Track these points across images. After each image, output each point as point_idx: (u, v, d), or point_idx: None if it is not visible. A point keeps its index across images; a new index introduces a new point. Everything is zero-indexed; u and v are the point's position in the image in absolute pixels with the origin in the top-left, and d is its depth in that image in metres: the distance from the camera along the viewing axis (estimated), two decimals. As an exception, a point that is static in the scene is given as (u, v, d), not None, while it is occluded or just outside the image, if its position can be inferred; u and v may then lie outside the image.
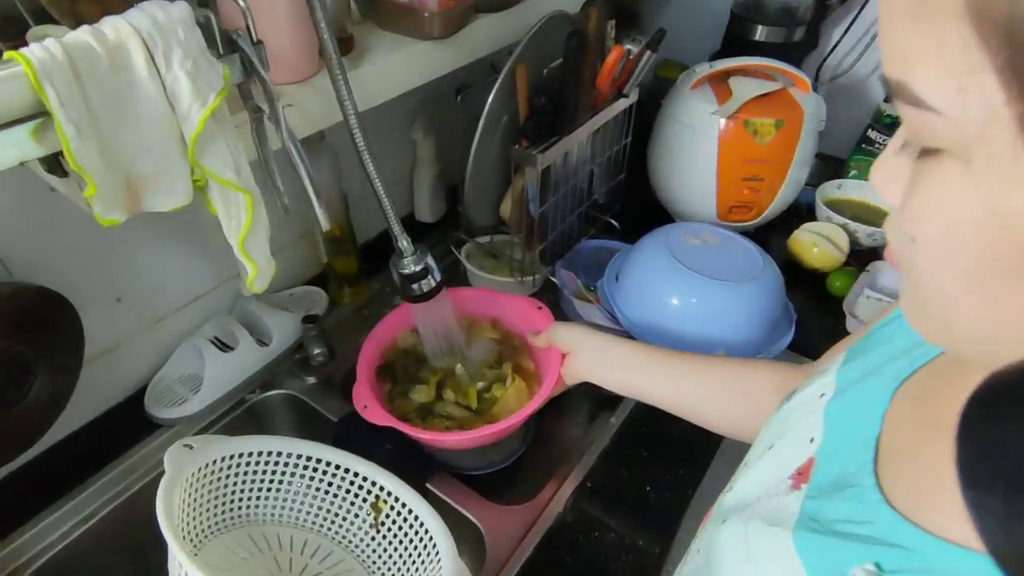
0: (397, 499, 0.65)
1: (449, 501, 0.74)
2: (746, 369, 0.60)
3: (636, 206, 1.14)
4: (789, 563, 0.33)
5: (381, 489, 0.66)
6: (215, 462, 0.61)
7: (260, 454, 0.64)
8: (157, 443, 0.76)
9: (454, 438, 0.70)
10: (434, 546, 0.61)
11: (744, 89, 1.01)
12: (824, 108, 1.05)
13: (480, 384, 0.76)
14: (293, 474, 0.66)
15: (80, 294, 0.65)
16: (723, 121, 1.00)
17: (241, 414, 0.83)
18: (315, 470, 0.66)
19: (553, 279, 0.96)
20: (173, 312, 0.82)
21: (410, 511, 0.64)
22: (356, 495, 0.67)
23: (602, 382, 0.67)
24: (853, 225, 1.06)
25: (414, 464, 0.77)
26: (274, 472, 0.66)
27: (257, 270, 0.55)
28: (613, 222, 1.09)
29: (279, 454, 0.65)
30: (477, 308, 0.83)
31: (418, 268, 0.68)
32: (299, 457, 0.66)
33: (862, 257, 1.05)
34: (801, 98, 1.02)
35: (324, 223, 0.58)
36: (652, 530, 0.70)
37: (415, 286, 0.69)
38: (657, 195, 1.16)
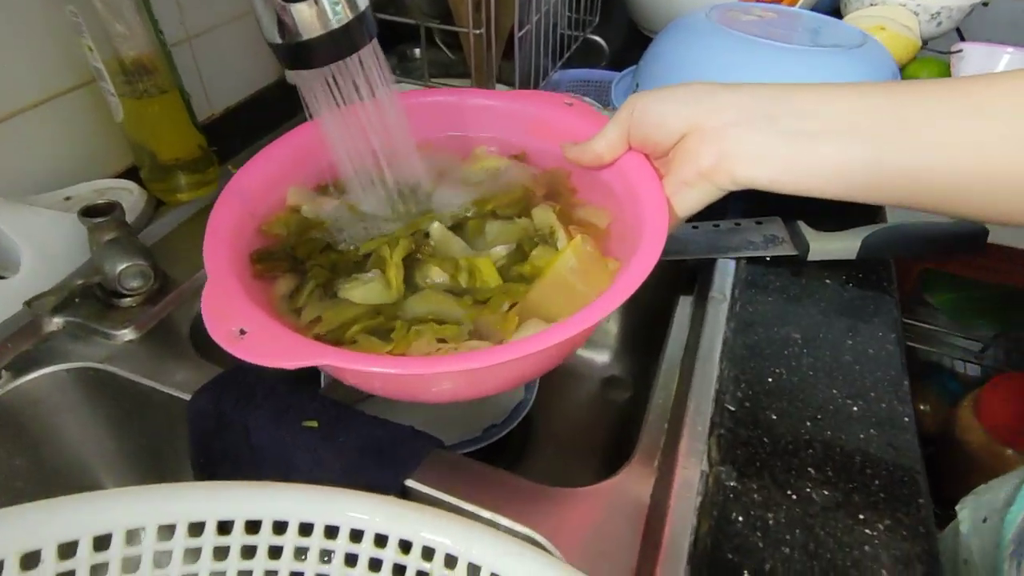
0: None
1: (461, 504, 0.35)
2: None
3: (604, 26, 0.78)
4: None
5: (428, 557, 0.25)
6: None
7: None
8: None
9: (506, 355, 0.28)
10: None
11: None
12: None
13: (498, 251, 0.36)
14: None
15: None
16: None
17: (-31, 427, 0.39)
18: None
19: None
20: None
21: None
22: None
23: (782, 178, 0.30)
24: (912, 5, 0.77)
25: (374, 452, 0.37)
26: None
27: None
28: (598, 40, 0.73)
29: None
30: (447, 124, 0.43)
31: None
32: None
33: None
34: None
35: None
36: (897, 479, 0.35)
37: (309, 14, 0.28)
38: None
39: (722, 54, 0.54)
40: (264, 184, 0.39)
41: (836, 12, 0.86)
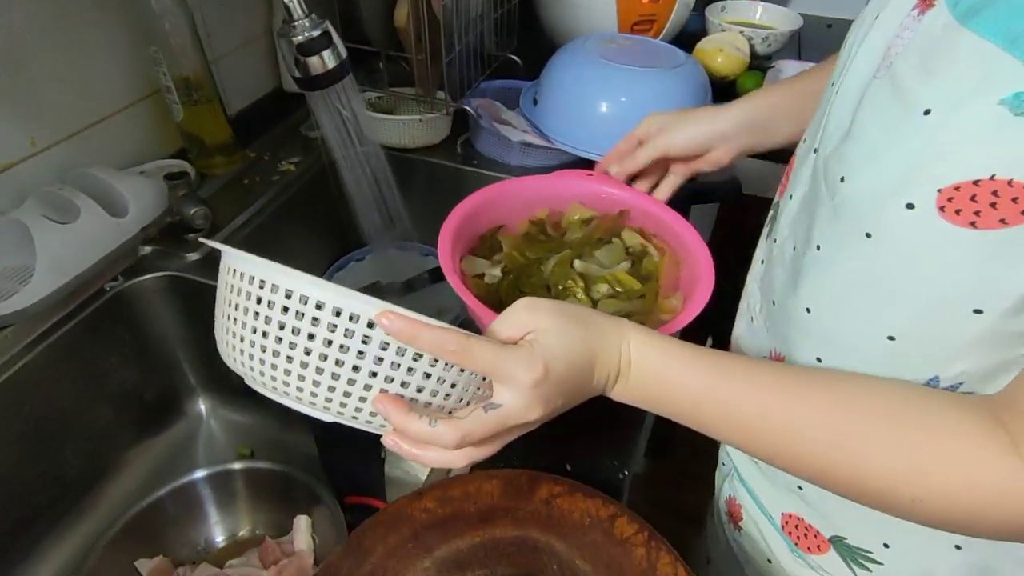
0: None
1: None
2: None
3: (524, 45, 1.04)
4: (987, 60, 0.27)
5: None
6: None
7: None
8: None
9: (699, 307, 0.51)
10: None
11: None
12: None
13: (625, 266, 0.58)
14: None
15: None
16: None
17: (102, 308, 0.63)
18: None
19: (468, 108, 0.84)
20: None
21: None
22: None
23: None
24: (748, 31, 1.04)
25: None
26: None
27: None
28: (515, 58, 0.99)
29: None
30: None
31: (317, 33, 0.53)
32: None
33: (762, 65, 1.04)
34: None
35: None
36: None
37: (316, 61, 0.54)
38: (545, 23, 1.08)
39: (586, 74, 0.80)
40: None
41: (704, 33, 1.13)
